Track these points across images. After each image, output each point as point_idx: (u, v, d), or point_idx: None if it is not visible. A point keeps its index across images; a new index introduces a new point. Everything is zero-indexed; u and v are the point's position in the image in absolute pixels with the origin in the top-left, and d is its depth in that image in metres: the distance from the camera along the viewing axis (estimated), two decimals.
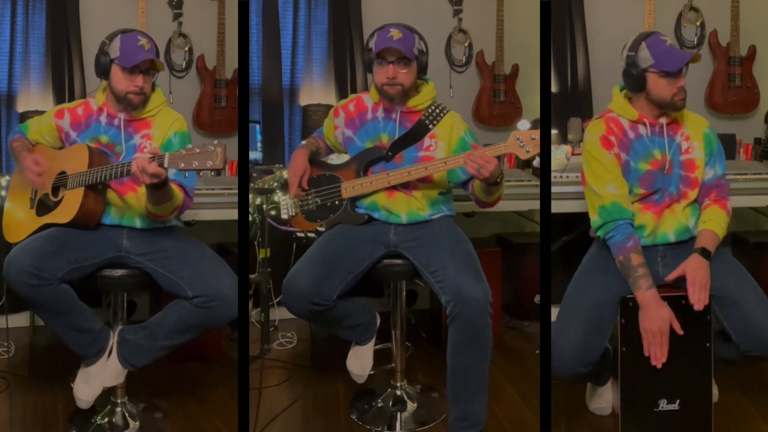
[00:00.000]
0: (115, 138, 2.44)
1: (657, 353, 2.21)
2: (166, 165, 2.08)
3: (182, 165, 2.06)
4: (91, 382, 2.42)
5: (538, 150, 2.29)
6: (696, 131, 2.37)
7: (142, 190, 2.36)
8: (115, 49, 2.36)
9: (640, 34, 2.31)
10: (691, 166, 2.35)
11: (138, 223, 2.43)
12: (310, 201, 2.66)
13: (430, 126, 2.53)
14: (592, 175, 2.34)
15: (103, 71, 2.41)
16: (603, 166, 2.32)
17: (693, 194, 2.36)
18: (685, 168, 2.35)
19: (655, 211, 2.34)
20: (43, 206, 2.45)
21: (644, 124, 2.34)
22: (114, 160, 2.41)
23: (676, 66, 2.26)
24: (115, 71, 2.38)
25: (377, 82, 2.51)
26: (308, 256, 2.47)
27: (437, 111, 2.55)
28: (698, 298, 2.20)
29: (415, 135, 2.53)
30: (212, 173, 3.32)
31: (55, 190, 2.45)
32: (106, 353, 2.41)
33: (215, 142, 2.07)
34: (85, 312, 2.35)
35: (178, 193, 2.35)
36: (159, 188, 2.20)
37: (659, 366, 2.21)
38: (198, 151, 2.05)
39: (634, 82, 2.30)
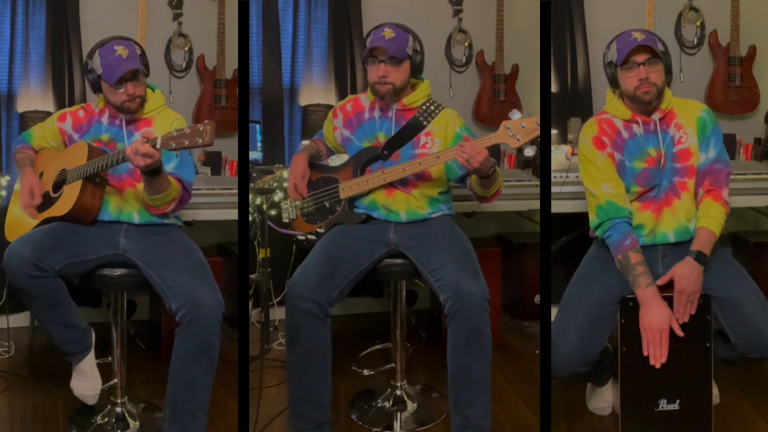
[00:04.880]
0: (116, 135, 2.47)
1: (656, 353, 2.21)
2: (158, 146, 2.12)
3: (173, 145, 2.11)
4: (87, 377, 2.47)
5: (528, 137, 2.28)
6: (689, 117, 2.33)
7: (140, 186, 2.39)
8: (97, 66, 2.39)
9: (620, 32, 2.31)
10: (685, 156, 2.32)
11: (136, 218, 2.45)
12: (309, 203, 2.66)
13: (424, 123, 2.53)
14: (587, 177, 2.34)
15: (96, 88, 2.45)
16: (596, 166, 2.32)
17: (691, 183, 2.32)
18: (678, 159, 2.32)
19: (654, 209, 2.34)
20: (44, 203, 2.47)
21: (637, 122, 2.34)
22: None
23: (621, 55, 2.24)
24: (104, 86, 2.41)
25: (369, 79, 2.52)
26: (311, 257, 2.47)
27: (432, 108, 2.55)
28: (683, 312, 2.21)
29: (409, 132, 2.53)
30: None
31: (57, 187, 2.48)
32: (92, 350, 2.47)
33: (206, 122, 2.11)
34: (74, 308, 2.40)
35: (175, 185, 2.38)
36: (153, 175, 2.24)
37: (658, 366, 2.21)
38: (188, 131, 2.10)
39: (611, 79, 2.34)
